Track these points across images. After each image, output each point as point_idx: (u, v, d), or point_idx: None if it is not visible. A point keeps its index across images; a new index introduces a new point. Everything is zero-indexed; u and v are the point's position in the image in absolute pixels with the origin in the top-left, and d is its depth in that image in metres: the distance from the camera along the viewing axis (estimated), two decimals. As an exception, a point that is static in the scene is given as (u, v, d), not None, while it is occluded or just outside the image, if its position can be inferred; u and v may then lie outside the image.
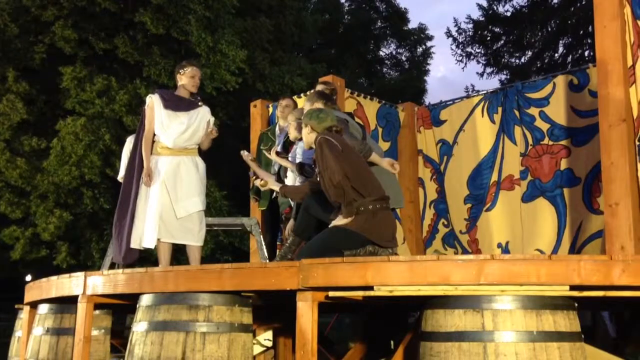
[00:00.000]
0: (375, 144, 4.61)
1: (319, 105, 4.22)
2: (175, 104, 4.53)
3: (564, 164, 5.39)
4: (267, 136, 5.64)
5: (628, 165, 3.87)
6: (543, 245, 5.36)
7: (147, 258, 11.96)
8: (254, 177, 4.61)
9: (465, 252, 5.98)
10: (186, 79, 4.57)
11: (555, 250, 5.26)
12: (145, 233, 4.37)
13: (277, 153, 4.70)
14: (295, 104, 5.73)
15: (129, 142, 5.94)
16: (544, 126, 5.54)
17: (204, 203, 4.55)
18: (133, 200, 4.50)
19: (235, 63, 13.14)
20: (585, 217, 5.09)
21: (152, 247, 4.38)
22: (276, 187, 4.25)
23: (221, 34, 13.25)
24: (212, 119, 4.68)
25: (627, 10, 4.06)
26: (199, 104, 4.62)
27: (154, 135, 4.53)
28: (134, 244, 4.41)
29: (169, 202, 4.39)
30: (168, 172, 4.43)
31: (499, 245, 5.70)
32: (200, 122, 4.53)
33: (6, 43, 12.60)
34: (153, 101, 4.53)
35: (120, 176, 6.02)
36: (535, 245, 5.41)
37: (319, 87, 4.87)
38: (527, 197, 5.58)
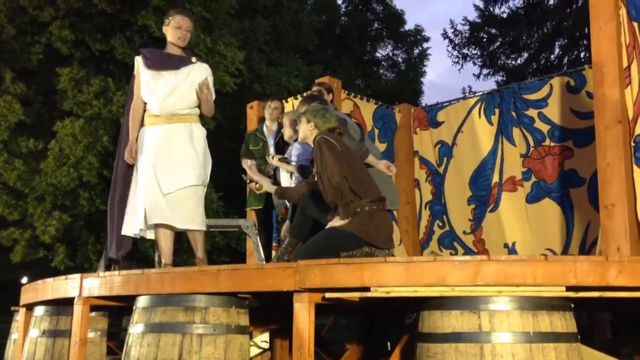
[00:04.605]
0: (372, 145, 4.62)
1: None
2: (161, 61, 3.86)
3: (567, 165, 5.41)
4: (256, 136, 5.65)
5: (624, 166, 3.88)
6: (552, 245, 5.38)
7: (143, 259, 11.94)
8: (249, 182, 4.58)
9: (468, 252, 5.99)
10: (171, 30, 3.87)
11: (565, 250, 5.29)
12: (137, 218, 3.84)
13: (280, 159, 4.63)
14: (283, 107, 5.80)
15: (126, 142, 5.94)
16: (544, 127, 5.56)
17: (200, 177, 3.83)
18: (121, 182, 4.00)
19: (235, 64, 13.12)
20: (593, 217, 5.10)
21: (142, 233, 3.90)
22: (271, 189, 4.24)
23: (218, 35, 13.24)
24: (210, 78, 3.94)
25: (623, 11, 4.07)
26: (192, 59, 3.91)
27: (146, 104, 3.90)
28: (125, 231, 3.92)
29: (156, 178, 3.77)
30: (154, 144, 3.81)
31: (506, 246, 5.71)
32: (192, 81, 3.83)
33: (3, 44, 12.56)
34: (137, 64, 3.92)
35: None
36: (545, 245, 5.43)
37: (315, 89, 4.89)
38: (532, 198, 5.59)
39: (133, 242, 4.11)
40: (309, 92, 4.92)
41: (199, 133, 3.90)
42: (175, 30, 3.87)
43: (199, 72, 3.88)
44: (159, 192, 3.76)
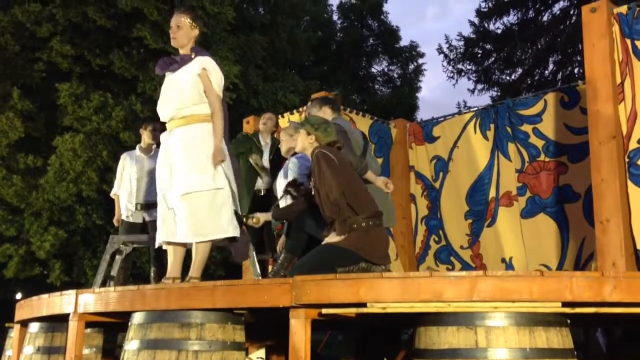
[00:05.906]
0: (373, 159, 4.59)
1: (326, 110, 4.23)
2: (164, 65, 3.70)
3: (562, 180, 5.42)
4: (254, 141, 5.67)
5: (618, 181, 3.90)
6: (548, 261, 5.37)
7: (139, 275, 11.87)
8: (245, 219, 4.49)
9: (465, 267, 5.98)
10: None
11: (560, 266, 5.27)
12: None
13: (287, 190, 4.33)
14: (277, 119, 5.86)
15: (123, 158, 5.96)
16: (539, 143, 5.58)
17: (195, 184, 3.51)
18: None
19: (230, 78, 13.17)
20: (588, 232, 5.09)
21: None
22: (268, 217, 4.20)
23: (215, 50, 13.30)
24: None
25: (616, 28, 4.12)
26: (192, 55, 3.63)
27: None
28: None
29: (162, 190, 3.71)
30: (161, 153, 3.75)
31: (503, 261, 5.70)
32: (183, 79, 3.59)
33: (7, 61, 12.59)
34: None
35: (113, 192, 6.01)
36: (539, 261, 5.41)
37: (314, 103, 4.89)
38: (527, 213, 5.59)
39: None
40: (307, 104, 4.93)
41: (200, 130, 3.56)
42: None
43: (193, 69, 3.62)
44: (162, 209, 3.72)
